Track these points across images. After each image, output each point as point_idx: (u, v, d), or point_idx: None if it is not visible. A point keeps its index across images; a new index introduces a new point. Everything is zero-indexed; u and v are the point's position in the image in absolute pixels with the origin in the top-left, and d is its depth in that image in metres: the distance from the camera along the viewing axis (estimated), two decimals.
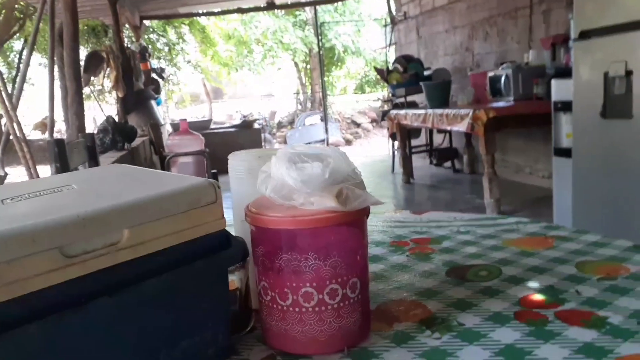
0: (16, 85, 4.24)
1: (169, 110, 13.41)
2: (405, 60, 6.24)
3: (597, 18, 2.64)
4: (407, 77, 5.98)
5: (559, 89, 3.24)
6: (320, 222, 0.59)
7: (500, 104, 4.21)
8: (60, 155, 1.50)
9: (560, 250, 0.87)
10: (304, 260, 0.59)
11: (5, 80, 3.46)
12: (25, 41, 10.00)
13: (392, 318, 0.69)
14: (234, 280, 0.68)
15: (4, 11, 8.30)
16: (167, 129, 7.90)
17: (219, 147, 7.18)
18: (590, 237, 0.92)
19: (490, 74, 4.64)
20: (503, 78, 4.36)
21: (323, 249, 0.60)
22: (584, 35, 2.72)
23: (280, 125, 14.66)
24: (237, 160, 0.74)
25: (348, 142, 12.76)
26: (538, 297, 0.71)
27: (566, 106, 3.10)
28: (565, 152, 3.15)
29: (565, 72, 3.41)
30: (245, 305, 0.71)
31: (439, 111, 4.50)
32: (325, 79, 13.36)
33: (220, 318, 0.62)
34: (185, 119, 6.08)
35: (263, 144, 8.94)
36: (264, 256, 0.62)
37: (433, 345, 0.61)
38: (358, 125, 14.37)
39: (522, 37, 5.04)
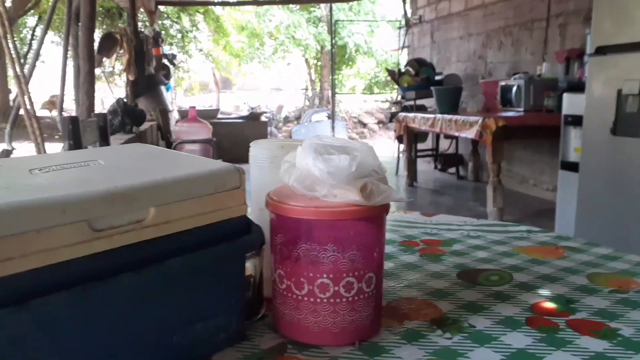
0: (29, 61, 4.24)
1: (177, 97, 13.42)
2: (418, 64, 6.24)
3: (615, 35, 2.65)
4: (419, 80, 5.98)
5: (571, 103, 3.25)
6: (342, 215, 0.59)
7: (510, 113, 4.21)
8: (74, 133, 1.51)
9: (572, 261, 0.88)
10: (323, 251, 0.60)
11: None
12: (40, 18, 10.02)
13: (403, 315, 0.69)
14: (248, 267, 0.69)
15: None
16: (174, 115, 7.91)
17: (224, 137, 7.20)
18: (601, 250, 0.93)
19: (502, 83, 4.64)
20: (514, 88, 4.36)
21: (342, 242, 0.60)
22: (600, 51, 2.72)
23: (286, 120, 14.66)
24: (259, 149, 0.74)
25: None
26: (549, 304, 0.71)
27: (576, 120, 3.10)
28: (572, 166, 3.16)
29: (577, 87, 3.41)
30: (258, 292, 0.71)
31: (448, 117, 4.50)
32: (335, 77, 13.34)
33: (235, 303, 0.63)
34: (195, 107, 6.10)
35: (269, 137, 8.94)
36: (283, 244, 0.62)
37: (444, 345, 0.61)
38: (364, 125, 14.37)
39: (537, 49, 5.03)
